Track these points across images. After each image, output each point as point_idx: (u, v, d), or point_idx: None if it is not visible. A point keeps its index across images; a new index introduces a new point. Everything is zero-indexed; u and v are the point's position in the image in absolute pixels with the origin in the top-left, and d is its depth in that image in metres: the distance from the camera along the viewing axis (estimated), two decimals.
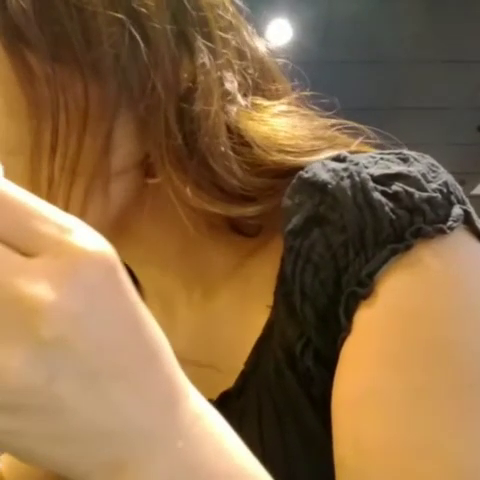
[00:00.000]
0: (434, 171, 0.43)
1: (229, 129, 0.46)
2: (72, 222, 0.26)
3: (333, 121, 0.50)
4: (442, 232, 0.40)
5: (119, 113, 0.44)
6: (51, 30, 0.43)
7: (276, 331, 0.46)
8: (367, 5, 3.31)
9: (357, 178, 0.41)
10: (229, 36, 0.49)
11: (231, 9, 0.51)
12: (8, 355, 0.24)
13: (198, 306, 0.52)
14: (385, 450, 0.36)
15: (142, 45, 0.43)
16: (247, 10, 0.53)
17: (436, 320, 0.38)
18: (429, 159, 0.44)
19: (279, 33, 3.41)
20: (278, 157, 0.46)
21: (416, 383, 0.37)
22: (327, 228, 0.41)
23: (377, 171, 0.42)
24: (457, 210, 0.41)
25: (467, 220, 0.41)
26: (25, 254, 0.25)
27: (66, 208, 0.43)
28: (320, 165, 0.44)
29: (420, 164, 0.43)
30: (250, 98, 0.49)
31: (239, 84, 0.49)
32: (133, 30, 0.43)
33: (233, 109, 0.47)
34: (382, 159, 0.43)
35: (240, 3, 0.52)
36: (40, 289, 0.24)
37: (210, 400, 0.42)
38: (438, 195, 0.41)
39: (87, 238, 0.26)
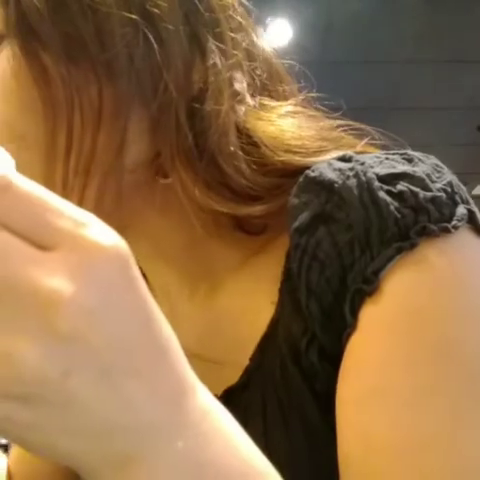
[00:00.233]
0: (438, 171, 0.43)
1: (238, 129, 0.47)
2: (87, 217, 0.27)
3: (339, 122, 0.51)
4: (447, 231, 0.40)
5: (132, 112, 0.45)
6: (66, 31, 0.44)
7: (281, 327, 0.46)
8: (367, 5, 3.31)
9: (363, 177, 0.42)
10: (239, 37, 0.50)
11: (240, 10, 0.51)
12: (24, 348, 0.25)
13: (203, 303, 0.53)
14: (393, 446, 0.36)
15: (155, 46, 0.44)
16: (250, 9, 0.54)
17: (441, 317, 0.39)
18: (433, 160, 0.44)
19: (279, 33, 3.41)
20: (285, 157, 0.46)
21: (422, 380, 0.37)
22: (333, 226, 0.42)
23: (382, 171, 0.42)
24: (461, 210, 0.41)
25: (471, 220, 0.42)
26: (41, 248, 0.26)
27: (79, 205, 0.43)
28: (326, 165, 0.44)
29: (425, 164, 0.43)
30: (258, 98, 0.50)
31: (248, 84, 0.49)
32: (146, 31, 0.44)
33: (242, 109, 0.48)
34: (387, 159, 0.44)
35: (249, 4, 0.53)
36: (57, 283, 0.25)
37: (215, 396, 0.43)
38: (443, 195, 0.41)
39: (102, 233, 0.27)
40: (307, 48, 3.15)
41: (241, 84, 0.49)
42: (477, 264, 0.41)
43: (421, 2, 3.32)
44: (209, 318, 0.53)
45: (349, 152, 0.46)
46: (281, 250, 0.47)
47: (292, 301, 0.45)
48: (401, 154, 0.44)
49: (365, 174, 0.42)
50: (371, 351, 0.39)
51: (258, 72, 0.51)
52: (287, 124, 0.48)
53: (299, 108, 0.51)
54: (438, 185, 0.42)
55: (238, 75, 0.49)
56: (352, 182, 0.42)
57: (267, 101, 0.50)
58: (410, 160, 0.44)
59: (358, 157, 0.44)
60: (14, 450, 0.69)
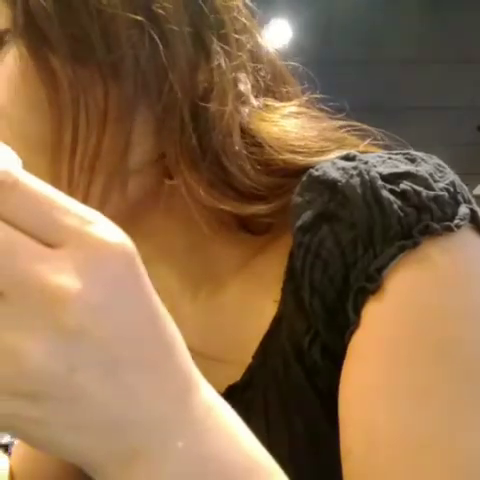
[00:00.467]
0: (441, 171, 0.43)
1: (242, 129, 0.47)
2: (93, 214, 0.27)
3: (341, 123, 0.51)
4: (449, 230, 0.40)
5: (137, 113, 0.45)
6: (72, 32, 0.44)
7: (284, 325, 0.46)
8: (367, 5, 3.31)
9: (366, 176, 0.42)
10: (244, 38, 0.50)
11: (245, 12, 0.52)
12: (31, 345, 0.25)
13: (205, 303, 0.53)
14: (394, 444, 0.36)
15: (160, 47, 0.44)
16: (255, 11, 0.54)
17: (443, 316, 0.39)
18: (436, 160, 0.45)
19: (279, 33, 3.41)
20: (289, 157, 0.47)
21: (424, 378, 0.38)
22: (336, 225, 0.42)
23: (386, 170, 0.42)
24: (463, 209, 0.42)
25: (473, 219, 0.42)
26: (48, 245, 0.26)
27: (84, 205, 0.44)
28: (330, 164, 0.45)
29: (427, 164, 0.43)
30: (262, 99, 0.50)
31: (252, 86, 0.50)
32: (152, 32, 0.44)
33: (246, 110, 0.48)
34: (390, 159, 0.44)
35: (253, 6, 0.53)
36: (64, 279, 0.25)
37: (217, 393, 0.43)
38: (445, 194, 0.41)
39: (108, 231, 0.27)
40: (307, 48, 3.15)
41: (245, 85, 0.49)
42: (479, 263, 0.41)
43: (421, 2, 3.32)
44: (212, 318, 0.53)
45: (352, 151, 0.46)
46: (284, 249, 0.48)
47: (295, 299, 0.45)
48: (404, 154, 0.45)
49: (368, 173, 0.42)
50: (374, 349, 0.39)
51: (262, 73, 0.51)
52: (290, 125, 0.49)
53: (302, 109, 0.51)
54: (441, 184, 0.42)
55: (242, 76, 0.49)
56: (355, 181, 0.42)
57: (271, 102, 0.50)
58: (413, 160, 0.44)
59: (361, 156, 0.44)
60: (17, 450, 0.69)
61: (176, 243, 0.52)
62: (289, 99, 0.52)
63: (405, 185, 0.41)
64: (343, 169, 0.43)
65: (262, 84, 0.51)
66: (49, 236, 0.26)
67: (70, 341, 0.25)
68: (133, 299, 0.27)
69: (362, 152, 0.46)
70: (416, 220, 0.40)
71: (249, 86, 0.49)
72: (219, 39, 0.48)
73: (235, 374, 0.49)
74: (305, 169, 0.46)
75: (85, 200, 0.44)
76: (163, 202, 0.49)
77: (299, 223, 0.44)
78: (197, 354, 0.45)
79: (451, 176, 0.43)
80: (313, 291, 0.43)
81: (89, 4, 0.44)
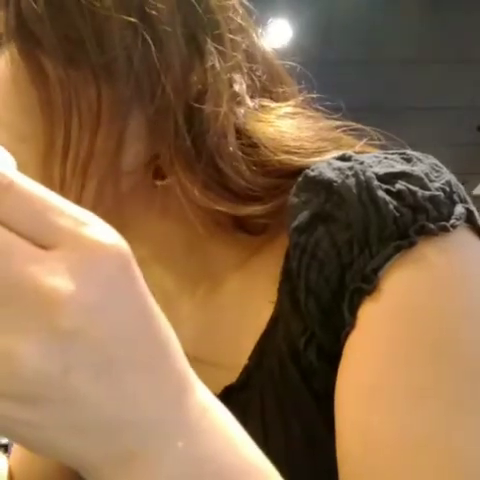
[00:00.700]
0: (437, 171, 0.43)
1: (237, 130, 0.47)
2: (88, 216, 0.27)
3: (338, 123, 0.51)
4: (445, 230, 0.40)
5: (130, 115, 0.45)
6: (65, 34, 0.44)
7: (280, 326, 0.46)
8: (367, 5, 3.31)
9: (362, 177, 0.42)
10: (239, 38, 0.50)
11: (241, 11, 0.51)
12: (25, 346, 0.25)
13: (202, 303, 0.53)
14: (391, 443, 0.36)
15: (153, 48, 0.44)
16: (251, 10, 0.54)
17: (439, 316, 0.39)
18: (432, 159, 0.45)
19: (279, 33, 3.41)
20: (284, 158, 0.47)
21: (420, 379, 0.37)
22: (332, 225, 0.42)
23: (381, 170, 0.42)
24: (460, 209, 0.41)
25: (469, 219, 0.42)
26: (42, 246, 0.26)
27: (76, 203, 0.44)
28: (326, 164, 0.45)
29: (423, 164, 0.43)
30: (257, 100, 0.50)
31: (247, 86, 0.49)
32: (145, 33, 0.44)
33: (241, 111, 0.48)
34: (386, 159, 0.44)
35: (250, 5, 0.53)
36: (58, 281, 0.25)
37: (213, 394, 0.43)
38: (441, 194, 0.41)
39: (103, 232, 0.27)
40: (307, 48, 3.15)
41: (240, 86, 0.49)
42: (475, 263, 0.41)
43: (421, 2, 3.32)
44: (208, 318, 0.53)
45: (348, 152, 0.46)
46: (280, 250, 0.47)
47: (291, 300, 0.45)
48: (400, 154, 0.45)
49: (364, 173, 0.42)
50: (370, 350, 0.39)
51: (258, 73, 0.51)
52: (286, 125, 0.48)
53: (298, 109, 0.51)
54: (436, 184, 0.42)
55: (237, 77, 0.49)
56: (351, 181, 0.42)
57: (267, 102, 0.50)
58: (409, 160, 0.44)
59: (357, 156, 0.44)
60: (15, 451, 0.69)
61: (172, 244, 0.52)
62: (286, 99, 0.52)
63: (401, 185, 0.41)
64: (339, 169, 0.43)
65: (258, 84, 0.50)
66: (44, 237, 0.26)
67: (64, 342, 0.25)
68: (127, 300, 0.27)
69: (358, 152, 0.47)
70: (412, 220, 0.40)
71: (244, 87, 0.49)
72: (213, 39, 0.47)
73: (231, 375, 0.49)
74: (301, 170, 0.45)
75: (78, 202, 0.44)
76: (158, 203, 0.49)
77: (295, 223, 0.44)
78: (193, 355, 0.45)
79: (447, 176, 0.43)
80: (309, 292, 0.43)
81: (82, 6, 0.44)
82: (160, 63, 0.44)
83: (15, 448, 0.70)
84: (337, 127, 0.51)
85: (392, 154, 0.45)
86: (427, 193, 0.41)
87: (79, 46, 0.44)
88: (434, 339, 0.38)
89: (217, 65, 0.47)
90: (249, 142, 0.47)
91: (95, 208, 0.44)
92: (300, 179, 0.45)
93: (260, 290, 0.49)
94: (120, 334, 0.27)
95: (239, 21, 0.51)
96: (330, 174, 0.43)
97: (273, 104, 0.50)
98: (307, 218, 0.43)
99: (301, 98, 0.52)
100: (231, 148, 0.46)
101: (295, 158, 0.47)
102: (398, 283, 0.40)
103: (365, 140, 0.49)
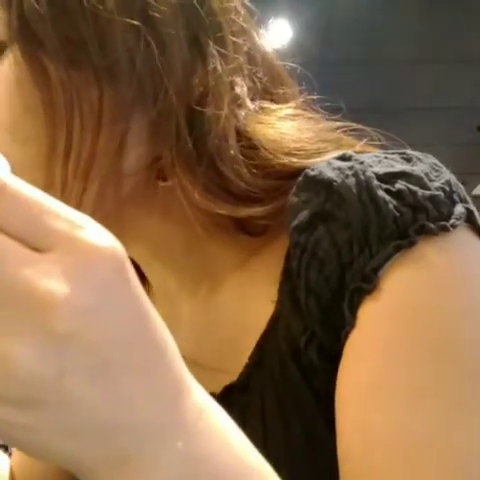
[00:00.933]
0: (437, 171, 0.43)
1: (237, 132, 0.47)
2: (82, 219, 0.27)
3: (338, 124, 0.51)
4: (445, 230, 0.40)
5: (132, 117, 0.45)
6: (67, 36, 0.44)
7: (280, 326, 0.46)
8: (367, 5, 3.31)
9: (362, 176, 0.42)
10: (240, 41, 0.50)
11: (242, 12, 0.52)
12: (20, 350, 0.25)
13: (202, 303, 0.53)
14: (390, 442, 0.37)
15: (156, 51, 0.44)
16: (253, 11, 0.54)
17: (439, 316, 0.39)
18: (432, 159, 0.45)
19: (279, 33, 3.41)
20: (285, 159, 0.47)
21: (420, 378, 0.38)
22: (332, 225, 0.42)
23: (381, 170, 0.42)
24: (459, 208, 0.42)
25: (469, 219, 0.42)
26: (37, 249, 0.26)
27: (78, 208, 0.44)
28: (326, 164, 0.45)
29: (423, 164, 0.43)
30: (258, 102, 0.50)
31: (248, 88, 0.50)
32: (147, 36, 0.44)
33: (242, 113, 0.48)
34: (386, 158, 0.44)
35: (252, 6, 0.53)
36: (53, 284, 0.25)
37: (213, 394, 0.43)
38: (441, 193, 0.41)
39: (98, 235, 0.27)
40: (307, 48, 3.15)
41: (241, 88, 0.49)
42: (475, 263, 0.41)
43: (421, 2, 3.32)
44: (208, 318, 0.53)
45: (348, 151, 0.46)
46: (280, 250, 0.48)
47: (291, 300, 0.45)
48: (400, 153, 0.45)
49: (364, 173, 0.42)
50: (370, 349, 0.39)
51: (259, 75, 0.51)
52: (287, 127, 0.49)
53: (299, 110, 0.51)
54: (436, 184, 0.42)
55: (239, 79, 0.49)
56: (351, 181, 0.42)
57: (267, 104, 0.50)
58: (409, 159, 0.44)
59: (357, 156, 0.45)
60: (16, 452, 0.69)
61: (172, 244, 0.52)
62: (286, 100, 0.52)
63: (400, 185, 0.41)
64: (339, 169, 0.43)
65: (259, 86, 0.51)
66: (38, 240, 0.26)
67: (59, 345, 0.25)
68: (122, 302, 0.27)
69: (359, 152, 0.46)
70: (412, 220, 0.40)
71: (245, 89, 0.49)
72: (215, 42, 0.48)
73: (232, 374, 0.49)
74: (301, 171, 0.46)
75: (79, 204, 0.44)
76: (158, 204, 0.49)
77: (295, 223, 0.44)
78: (194, 355, 0.46)
79: (447, 175, 0.43)
80: (309, 291, 0.43)
81: (84, 8, 0.44)
82: (162, 65, 0.45)
83: (16, 450, 0.70)
84: (337, 128, 0.51)
85: (392, 154, 0.45)
86: (427, 193, 0.41)
87: (81, 48, 0.44)
88: (434, 338, 0.38)
89: (219, 68, 0.47)
90: (249, 144, 0.47)
91: (96, 210, 0.45)
92: (300, 179, 0.45)
93: (260, 290, 0.49)
94: (115, 337, 0.27)
95: (241, 23, 0.51)
96: (330, 174, 0.43)
97: (273, 106, 0.50)
98: (307, 217, 0.43)
99: (301, 99, 0.53)
100: (232, 151, 0.46)
101: (295, 159, 0.47)
102: (398, 282, 0.40)
103: (365, 140, 0.49)
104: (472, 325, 0.39)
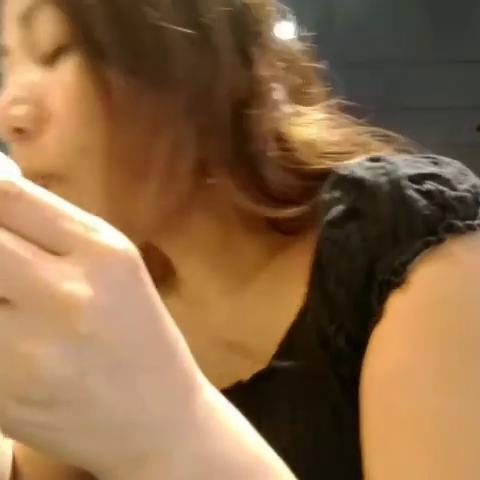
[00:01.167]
0: (463, 174, 0.46)
1: (275, 135, 0.50)
2: (96, 222, 0.28)
3: (366, 128, 0.53)
4: (472, 229, 0.42)
5: (185, 122, 0.47)
6: (128, 46, 0.46)
7: (309, 316, 0.48)
8: (367, 5, 3.31)
9: (393, 176, 0.44)
10: (279, 46, 0.53)
11: (277, 16, 0.54)
12: (44, 350, 0.25)
13: (232, 295, 0.55)
14: (414, 423, 0.39)
15: (208, 58, 0.47)
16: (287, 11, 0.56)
17: (467, 308, 0.41)
18: (458, 164, 0.47)
19: (279, 33, 3.40)
20: (318, 162, 0.49)
21: (445, 365, 0.40)
22: (363, 221, 0.44)
23: (412, 171, 0.45)
24: None
25: None
26: (54, 253, 0.27)
27: (136, 209, 0.47)
28: (357, 164, 0.47)
29: (451, 167, 0.46)
30: (292, 105, 0.53)
31: (284, 91, 0.52)
32: (201, 43, 0.47)
33: (280, 116, 0.51)
34: (416, 162, 0.46)
35: (288, 10, 0.56)
36: (74, 286, 0.26)
37: (241, 382, 0.49)
38: (468, 195, 0.44)
39: (112, 237, 0.28)
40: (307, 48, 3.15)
41: (280, 92, 0.51)
42: None
43: (421, 2, 3.32)
44: (238, 308, 0.54)
45: (379, 154, 0.48)
46: (308, 248, 0.49)
47: (321, 291, 0.47)
48: (428, 158, 0.47)
49: (395, 173, 0.44)
50: (397, 337, 0.42)
51: (293, 78, 0.53)
52: (319, 130, 0.51)
53: (329, 114, 0.53)
54: (463, 186, 0.44)
55: (278, 83, 0.51)
56: (382, 179, 0.44)
57: (300, 107, 0.53)
58: (437, 163, 0.46)
59: (388, 158, 0.47)
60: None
61: (208, 240, 0.54)
62: (316, 102, 0.54)
63: (430, 185, 0.43)
64: (370, 168, 0.46)
65: (292, 88, 0.53)
66: (55, 244, 0.27)
67: (81, 346, 0.26)
68: (137, 304, 0.28)
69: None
70: (440, 218, 0.42)
71: (283, 92, 0.52)
72: (258, 48, 0.50)
73: (260, 363, 0.51)
74: (332, 173, 0.48)
75: (137, 206, 0.47)
76: (199, 202, 0.51)
77: (327, 218, 0.46)
78: (223, 342, 0.50)
79: (473, 179, 0.46)
80: (339, 282, 0.45)
81: (145, 18, 0.46)
82: (213, 72, 0.48)
83: None
84: (365, 132, 0.53)
85: (421, 158, 0.47)
86: (455, 193, 0.43)
87: (141, 57, 0.46)
88: (459, 328, 0.41)
89: (263, 73, 0.49)
90: (286, 146, 0.50)
91: (153, 209, 0.47)
92: (332, 177, 0.48)
93: (289, 284, 0.51)
94: (130, 337, 0.28)
95: (277, 26, 0.53)
96: (362, 173, 0.46)
97: (306, 108, 0.53)
98: (339, 213, 0.46)
99: (330, 102, 0.55)
100: (272, 153, 0.49)
101: (327, 162, 0.49)
102: (426, 277, 0.42)
103: (393, 145, 0.52)
104: None
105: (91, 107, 0.46)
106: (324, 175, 0.49)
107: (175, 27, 0.46)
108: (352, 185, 0.46)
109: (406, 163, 0.45)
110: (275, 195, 0.49)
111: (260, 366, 0.50)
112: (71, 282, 0.26)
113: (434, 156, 0.47)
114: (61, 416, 0.27)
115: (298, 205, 0.49)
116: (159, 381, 0.29)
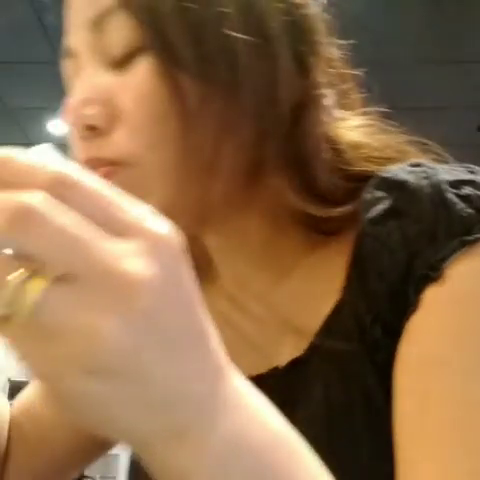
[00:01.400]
0: None
1: (326, 138, 0.53)
2: (145, 210, 0.30)
3: (405, 136, 0.57)
4: None
5: (247, 123, 0.51)
6: (200, 51, 0.49)
7: (346, 308, 0.52)
8: (367, 5, 3.31)
9: (434, 180, 0.48)
10: (330, 55, 0.56)
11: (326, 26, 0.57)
12: (105, 323, 0.27)
13: (271, 287, 0.58)
14: (445, 407, 0.42)
15: (271, 65, 0.51)
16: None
17: None
18: None
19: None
20: (363, 165, 0.53)
21: (477, 353, 0.43)
22: (404, 220, 0.48)
23: (450, 177, 0.49)
24: None
25: None
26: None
27: (198, 198, 0.51)
28: (399, 168, 0.51)
29: None
30: (339, 110, 0.56)
31: (333, 97, 0.56)
32: (265, 52, 0.50)
33: (330, 121, 0.54)
34: (453, 169, 0.50)
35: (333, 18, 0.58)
36: (133, 265, 0.28)
37: (277, 367, 0.53)
38: None
39: (159, 223, 0.30)
40: None
41: (331, 98, 0.55)
42: None
43: (421, 2, 3.32)
44: (277, 300, 0.57)
45: (419, 160, 0.52)
46: (347, 244, 0.53)
47: (359, 284, 0.51)
48: (465, 167, 0.51)
49: (436, 177, 0.48)
50: (432, 327, 0.45)
51: (340, 84, 0.57)
52: (364, 135, 0.55)
53: (371, 120, 0.57)
54: None
55: (329, 89, 0.55)
56: (424, 182, 0.48)
57: (345, 112, 0.57)
58: (473, 172, 0.50)
59: (428, 164, 0.51)
60: (22, 401, 0.71)
61: (255, 236, 0.57)
62: (357, 107, 0.58)
63: (468, 190, 0.48)
64: (413, 172, 0.50)
65: (339, 94, 0.57)
66: (109, 229, 0.29)
67: (139, 321, 0.28)
68: (183, 285, 0.31)
69: None
70: (477, 220, 0.46)
71: (333, 98, 0.55)
72: (314, 56, 0.54)
73: (297, 350, 0.54)
74: (374, 176, 0.52)
75: (202, 201, 0.51)
76: (249, 200, 0.55)
77: (369, 216, 0.50)
78: (259, 334, 0.54)
79: None
80: (379, 276, 0.48)
81: (216, 27, 0.49)
82: (274, 77, 0.51)
83: (21, 398, 0.72)
84: (404, 141, 0.56)
85: (458, 166, 0.51)
86: None
87: (211, 62, 0.49)
88: None
89: (317, 80, 0.53)
90: (335, 149, 0.53)
91: (211, 204, 0.52)
92: (375, 179, 0.51)
93: (325, 281, 0.55)
94: (179, 316, 0.30)
95: (330, 39, 0.57)
96: (404, 175, 0.49)
97: (351, 113, 0.57)
98: (381, 212, 0.49)
99: (370, 108, 0.58)
100: (325, 156, 0.52)
101: (372, 166, 0.53)
102: (462, 273, 0.45)
103: (431, 155, 0.55)
104: None
105: (163, 107, 0.49)
106: (366, 178, 0.52)
107: (243, 36, 0.49)
108: (394, 186, 0.49)
109: (445, 170, 0.49)
110: (324, 195, 0.52)
111: (296, 353, 0.54)
112: (130, 260, 0.28)
113: (470, 165, 0.51)
114: (117, 388, 0.28)
115: (342, 205, 0.52)
116: (199, 358, 0.31)
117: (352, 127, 0.55)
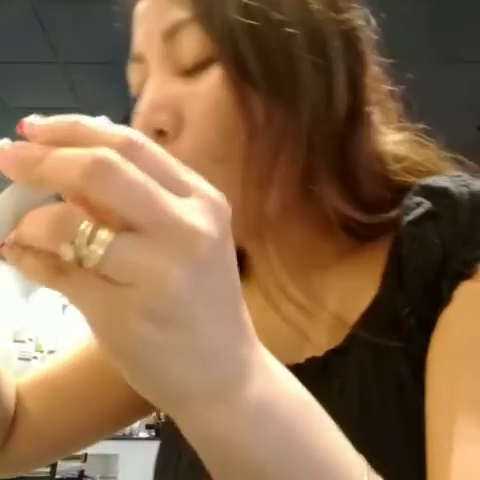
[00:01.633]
0: None
1: (373, 151, 0.57)
2: (195, 176, 0.32)
3: (443, 152, 0.60)
4: None
5: (304, 136, 0.53)
6: (268, 68, 0.52)
7: (383, 302, 0.54)
8: (367, 5, 3.30)
9: (473, 188, 0.52)
10: (375, 73, 0.59)
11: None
12: (171, 269, 0.29)
13: (308, 286, 0.59)
14: (476, 396, 0.44)
15: (328, 83, 0.53)
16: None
17: None
18: None
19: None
20: (404, 176, 0.57)
21: None
22: (441, 223, 0.51)
23: None
24: None
25: None
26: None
27: (255, 206, 0.54)
28: (439, 177, 0.55)
29: None
30: (384, 125, 0.60)
31: (378, 112, 0.59)
32: (324, 71, 0.53)
33: (377, 136, 0.58)
34: None
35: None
36: (197, 219, 0.30)
37: (315, 357, 0.56)
38: None
39: (211, 188, 0.32)
40: None
41: (377, 113, 0.58)
42: None
43: (421, 2, 3.32)
44: (315, 297, 0.59)
45: (458, 173, 0.56)
46: (383, 247, 0.56)
47: (396, 281, 0.54)
48: None
49: (474, 186, 0.52)
50: (464, 317, 0.48)
51: (382, 100, 0.60)
52: (406, 149, 0.59)
53: (410, 135, 0.61)
54: None
55: (375, 105, 0.58)
56: (463, 189, 0.52)
57: (387, 127, 0.60)
58: None
59: (466, 175, 0.54)
60: (31, 376, 0.74)
61: (297, 241, 0.60)
62: (395, 122, 0.61)
63: None
64: (452, 181, 0.53)
65: (382, 110, 0.60)
66: (172, 189, 0.31)
67: (199, 271, 0.30)
68: (231, 249, 0.32)
69: None
70: None
71: (378, 113, 0.58)
72: (364, 74, 0.57)
73: (335, 340, 0.56)
74: (415, 184, 0.55)
75: (257, 205, 0.53)
76: (297, 205, 0.57)
77: (408, 218, 0.53)
78: (297, 328, 0.57)
79: None
80: (416, 272, 0.51)
81: (286, 47, 0.52)
82: (330, 94, 0.54)
83: (31, 374, 0.75)
84: (444, 156, 0.60)
85: None
86: None
87: (277, 78, 0.52)
88: None
89: (367, 98, 0.56)
90: (380, 161, 0.57)
91: (270, 218, 0.55)
92: (415, 187, 0.55)
93: (362, 281, 0.57)
94: (228, 275, 0.32)
95: (377, 59, 0.59)
96: (443, 183, 0.53)
97: (391, 128, 0.60)
98: (419, 215, 0.52)
99: (412, 124, 0.62)
100: (373, 167, 0.56)
101: (412, 177, 0.57)
102: None
103: (468, 173, 0.57)
104: None
105: (230, 122, 0.52)
106: (406, 189, 0.55)
107: (307, 55, 0.52)
108: (434, 192, 0.53)
109: None
110: (369, 203, 0.55)
111: (334, 343, 0.56)
112: (194, 215, 0.30)
113: None
114: (173, 336, 0.30)
115: (383, 213, 0.55)
116: (238, 320, 0.33)
117: (395, 141, 0.59)
